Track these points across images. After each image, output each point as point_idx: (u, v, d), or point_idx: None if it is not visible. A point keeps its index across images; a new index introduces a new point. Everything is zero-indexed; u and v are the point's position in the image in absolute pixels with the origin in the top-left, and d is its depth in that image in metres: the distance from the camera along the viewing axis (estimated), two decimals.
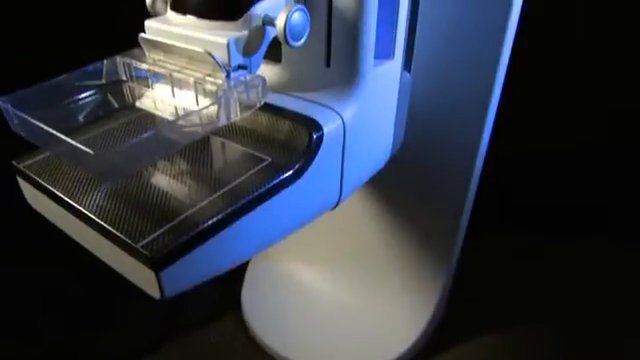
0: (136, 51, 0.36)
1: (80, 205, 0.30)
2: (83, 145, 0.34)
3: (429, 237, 0.57)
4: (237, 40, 0.30)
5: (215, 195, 0.30)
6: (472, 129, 0.49)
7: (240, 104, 0.31)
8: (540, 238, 0.81)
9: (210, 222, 0.28)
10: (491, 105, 0.47)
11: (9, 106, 0.29)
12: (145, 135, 0.26)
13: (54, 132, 0.26)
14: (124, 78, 0.36)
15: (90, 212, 0.29)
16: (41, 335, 0.64)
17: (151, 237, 0.27)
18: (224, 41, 0.30)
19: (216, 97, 0.29)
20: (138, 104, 0.37)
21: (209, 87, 0.31)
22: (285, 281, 0.66)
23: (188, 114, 0.29)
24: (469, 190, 0.53)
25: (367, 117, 0.38)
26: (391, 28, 0.38)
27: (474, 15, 0.42)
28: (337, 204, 0.40)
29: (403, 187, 0.55)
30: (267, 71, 0.39)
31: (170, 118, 0.34)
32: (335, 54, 0.36)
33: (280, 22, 0.31)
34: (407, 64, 0.44)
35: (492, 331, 0.64)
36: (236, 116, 0.30)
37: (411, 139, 0.50)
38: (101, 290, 0.70)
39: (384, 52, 0.39)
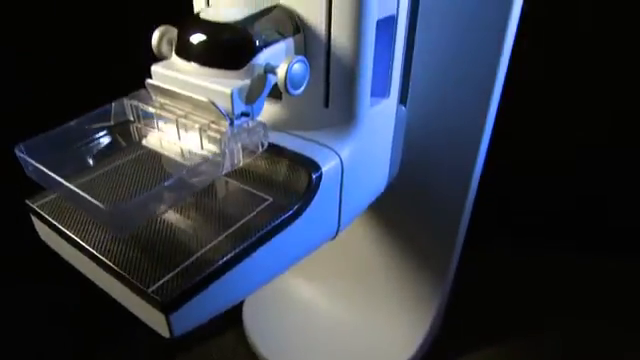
0: (143, 92, 0.37)
1: (92, 248, 0.31)
2: (92, 184, 0.36)
3: (425, 257, 0.59)
4: (240, 89, 0.32)
5: (220, 237, 0.32)
6: (467, 154, 0.50)
7: (243, 150, 0.32)
8: (537, 249, 0.83)
9: (217, 265, 0.30)
10: (485, 131, 0.48)
11: (24, 154, 0.31)
12: (154, 190, 0.28)
13: (68, 185, 0.28)
14: (131, 119, 0.37)
15: (103, 255, 0.31)
16: (42, 353, 0.65)
17: (161, 282, 0.29)
18: (228, 91, 0.32)
19: (221, 148, 0.31)
20: (144, 142, 0.38)
21: (213, 134, 0.32)
22: (285, 297, 0.68)
23: (197, 166, 0.30)
24: (464, 212, 0.55)
25: (364, 154, 0.40)
26: (387, 68, 0.40)
27: (469, 46, 0.44)
28: (336, 235, 0.42)
29: (400, 209, 0.56)
30: (268, 108, 0.41)
31: (176, 158, 0.36)
32: (333, 96, 0.37)
33: (281, 72, 0.32)
34: (403, 97, 0.46)
35: (489, 344, 0.66)
36: (239, 163, 0.32)
37: (407, 165, 0.52)
38: (103, 306, 0.71)
39: (380, 91, 0.40)
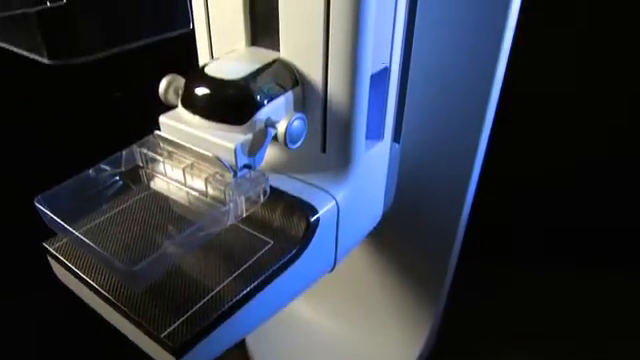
0: (151, 139, 0.40)
1: (107, 292, 0.34)
2: (106, 227, 0.38)
3: (420, 278, 0.62)
4: (243, 144, 0.34)
5: (226, 281, 0.34)
6: (460, 179, 0.53)
7: (246, 201, 0.35)
8: (530, 267, 0.86)
9: (224, 308, 0.33)
10: (478, 155, 0.51)
11: (44, 206, 0.33)
12: (166, 248, 0.31)
13: (88, 242, 0.31)
14: (140, 164, 0.40)
15: (117, 300, 0.33)
16: None
17: (172, 327, 0.31)
18: (232, 146, 0.34)
19: (226, 202, 0.33)
20: (152, 185, 0.41)
21: (218, 186, 0.35)
22: (287, 318, 0.70)
23: (205, 222, 0.33)
24: (457, 234, 0.58)
25: (359, 194, 0.43)
26: (381, 113, 0.42)
27: (461, 82, 0.47)
28: (333, 268, 0.45)
29: (394, 233, 0.59)
30: (268, 151, 0.43)
31: (183, 202, 0.38)
32: (330, 142, 0.40)
33: (281, 128, 0.35)
34: (396, 135, 0.48)
35: None
36: (243, 214, 0.35)
37: (401, 191, 0.54)
38: (103, 327, 0.74)
39: (374, 134, 0.43)
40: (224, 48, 0.42)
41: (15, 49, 0.23)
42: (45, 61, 0.23)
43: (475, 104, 0.48)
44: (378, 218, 0.50)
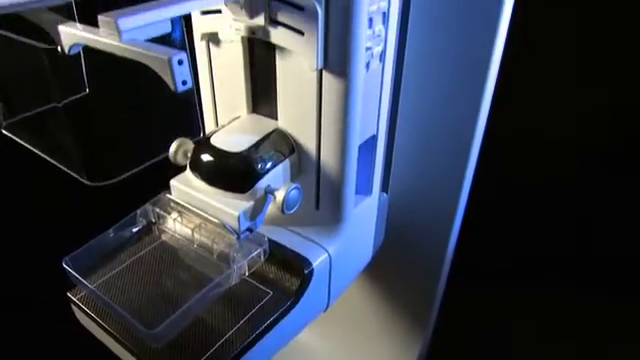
0: (163, 198, 0.44)
1: (127, 341, 0.39)
2: (122, 280, 0.43)
3: (408, 306, 0.67)
4: (245, 211, 0.39)
5: (235, 328, 0.39)
6: (445, 215, 0.58)
7: (248, 259, 0.39)
8: (520, 291, 0.91)
9: (236, 352, 0.38)
10: (462, 193, 0.55)
11: (71, 267, 0.38)
12: (182, 310, 0.35)
13: (111, 302, 0.35)
14: (153, 220, 0.45)
15: (136, 349, 0.38)
16: None
17: None
18: (236, 214, 0.39)
19: (229, 266, 0.38)
20: (164, 238, 0.45)
21: (223, 247, 0.39)
22: None
23: (213, 285, 0.38)
24: (443, 267, 0.62)
25: (350, 245, 0.47)
26: (370, 172, 0.47)
27: (446, 130, 0.51)
28: (327, 308, 0.49)
29: (384, 267, 0.64)
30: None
31: (192, 258, 0.43)
32: (322, 200, 0.44)
33: (279, 197, 0.39)
34: (384, 185, 0.53)
35: None
36: (245, 274, 0.39)
37: (390, 234, 0.59)
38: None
39: (363, 190, 0.48)
40: (228, 114, 0.46)
41: (58, 164, 0.27)
42: (85, 182, 0.27)
43: (458, 149, 0.53)
44: (368, 259, 0.55)
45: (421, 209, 0.58)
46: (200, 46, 0.44)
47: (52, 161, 0.28)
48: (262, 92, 0.44)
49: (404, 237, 0.60)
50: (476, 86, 0.48)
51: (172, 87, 0.27)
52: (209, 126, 0.49)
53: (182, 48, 0.33)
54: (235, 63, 0.42)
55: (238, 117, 0.45)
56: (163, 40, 0.29)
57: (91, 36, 0.30)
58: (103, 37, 0.29)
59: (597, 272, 0.95)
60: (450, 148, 0.53)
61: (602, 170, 0.93)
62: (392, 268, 0.64)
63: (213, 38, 0.43)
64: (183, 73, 0.27)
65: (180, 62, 0.26)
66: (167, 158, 0.37)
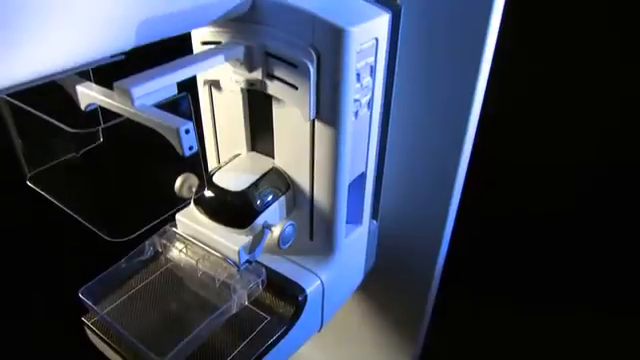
0: (169, 230, 0.48)
1: None
2: (133, 306, 0.46)
3: (398, 320, 0.71)
4: (245, 246, 0.43)
5: (234, 352, 0.43)
6: (433, 239, 0.61)
7: (247, 289, 0.43)
8: (508, 308, 0.95)
9: None
10: (447, 226, 0.59)
11: (87, 299, 0.42)
12: (190, 338, 0.39)
13: (124, 332, 0.39)
14: (160, 250, 0.48)
15: None
16: None
17: None
18: (236, 248, 0.42)
19: (231, 296, 0.42)
20: (170, 266, 0.49)
21: (225, 278, 0.43)
22: None
23: (218, 314, 0.41)
24: (432, 286, 0.66)
25: (342, 271, 0.51)
26: (360, 205, 0.51)
27: (431, 161, 0.55)
28: (321, 329, 0.53)
29: (376, 284, 0.68)
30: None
31: (197, 286, 0.47)
32: (316, 233, 0.48)
33: (276, 233, 0.43)
34: (374, 213, 0.56)
35: None
36: (245, 303, 0.43)
37: (382, 255, 0.63)
38: None
39: (354, 220, 0.51)
40: (229, 151, 0.50)
41: (79, 218, 0.31)
42: (106, 238, 0.31)
43: (444, 177, 0.56)
44: (360, 281, 0.59)
45: (410, 232, 0.62)
46: (203, 90, 0.48)
47: (74, 215, 0.32)
48: (260, 133, 0.48)
49: (395, 258, 0.64)
50: (459, 121, 0.51)
51: (180, 152, 0.30)
52: (211, 160, 0.53)
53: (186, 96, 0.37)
54: (235, 108, 0.46)
55: (238, 154, 0.49)
56: None
57: (106, 99, 0.34)
58: (117, 102, 0.33)
59: (584, 290, 0.99)
60: (436, 175, 0.56)
61: (586, 197, 0.98)
62: (384, 286, 0.68)
63: (215, 84, 0.47)
64: (190, 140, 0.31)
65: (187, 131, 0.30)
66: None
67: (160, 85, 0.33)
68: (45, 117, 0.28)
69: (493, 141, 0.70)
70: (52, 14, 0.26)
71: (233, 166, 0.47)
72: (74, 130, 0.28)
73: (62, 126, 0.27)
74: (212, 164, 0.53)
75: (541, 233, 1.01)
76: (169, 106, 0.33)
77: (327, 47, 0.37)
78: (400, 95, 0.50)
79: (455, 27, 0.46)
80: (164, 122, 0.31)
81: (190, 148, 0.31)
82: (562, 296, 0.98)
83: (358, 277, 0.58)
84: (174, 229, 0.46)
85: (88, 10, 0.28)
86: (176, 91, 0.35)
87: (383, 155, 0.52)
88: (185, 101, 0.32)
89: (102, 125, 0.34)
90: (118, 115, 0.33)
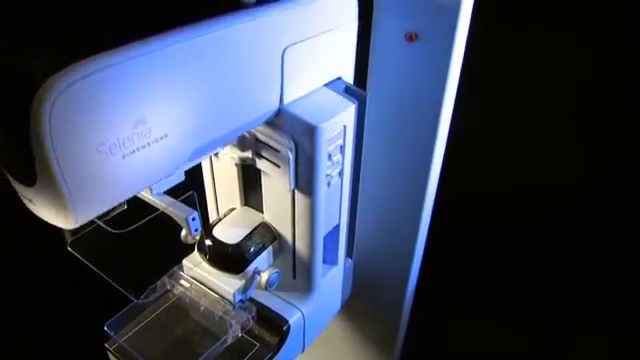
0: (177, 272, 0.58)
1: None
2: (147, 334, 0.56)
3: (375, 338, 0.81)
4: (239, 289, 0.53)
5: None
6: (403, 273, 0.72)
7: (240, 325, 0.53)
8: (477, 323, 1.06)
9: None
10: (415, 257, 0.69)
11: (112, 332, 0.52)
12: None
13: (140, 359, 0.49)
14: (169, 288, 0.58)
15: None
16: None
17: None
18: (232, 291, 0.53)
19: (227, 329, 0.52)
20: (178, 302, 0.59)
21: (223, 315, 0.53)
22: None
23: (219, 344, 0.51)
24: (404, 307, 0.76)
25: (320, 304, 0.61)
26: (335, 249, 0.61)
27: (398, 207, 0.65)
28: (303, 351, 0.63)
29: (354, 308, 0.78)
30: None
31: (201, 317, 0.57)
32: (298, 273, 0.58)
33: (264, 278, 0.53)
34: (349, 251, 0.66)
35: None
36: (239, 334, 0.53)
37: (357, 286, 0.73)
38: None
39: (330, 261, 0.61)
40: (226, 204, 0.60)
41: (110, 281, 0.41)
42: (132, 298, 0.40)
43: (410, 217, 0.67)
44: (337, 309, 0.69)
45: (382, 265, 0.72)
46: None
47: (106, 278, 0.41)
48: (252, 192, 0.58)
49: (369, 287, 0.74)
50: (420, 175, 0.62)
51: (188, 233, 0.40)
52: (210, 207, 0.63)
53: None
54: (231, 173, 0.56)
55: (234, 208, 0.59)
56: None
57: None
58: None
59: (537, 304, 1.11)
60: (404, 215, 0.66)
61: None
62: (361, 309, 0.78)
63: (214, 154, 0.56)
64: (195, 224, 0.41)
65: (193, 219, 0.40)
66: None
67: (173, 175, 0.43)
68: None
69: (450, 192, 0.80)
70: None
71: (229, 220, 0.57)
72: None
73: None
74: (211, 210, 0.63)
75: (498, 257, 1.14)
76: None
77: (303, 138, 0.47)
78: (368, 156, 0.60)
79: (413, 109, 0.56)
80: (176, 210, 0.41)
81: (196, 230, 0.41)
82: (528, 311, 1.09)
83: (336, 306, 0.68)
84: (181, 272, 0.56)
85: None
86: (184, 177, 0.45)
87: (355, 206, 0.62)
88: (192, 197, 0.42)
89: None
90: None
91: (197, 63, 0.36)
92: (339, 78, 0.53)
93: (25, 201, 0.33)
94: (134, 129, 0.32)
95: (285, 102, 0.46)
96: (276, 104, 0.45)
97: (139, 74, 0.32)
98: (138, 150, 0.33)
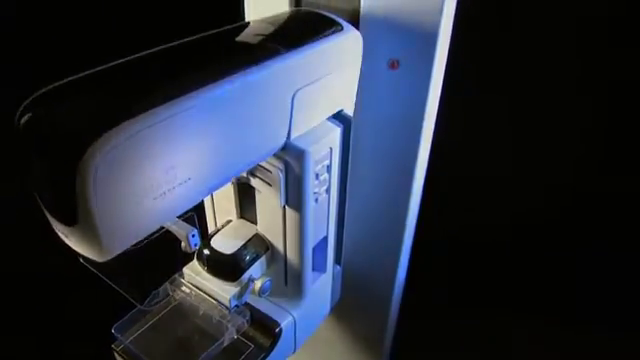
0: (178, 279, 0.63)
1: None
2: (152, 336, 0.62)
3: (366, 338, 0.86)
4: (234, 295, 0.58)
5: None
6: (389, 278, 0.77)
7: (236, 328, 0.58)
8: (465, 323, 1.12)
9: None
10: (401, 259, 0.75)
11: (119, 334, 0.57)
12: None
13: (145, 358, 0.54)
14: (170, 293, 0.63)
15: None
16: None
17: None
18: (227, 297, 0.58)
19: (224, 332, 0.57)
20: (178, 306, 0.64)
21: (220, 318, 0.58)
22: None
23: (216, 346, 0.56)
24: (391, 310, 0.81)
25: (310, 308, 0.66)
26: (324, 258, 0.66)
27: (384, 217, 0.70)
28: (294, 351, 0.68)
29: (343, 310, 0.83)
30: None
31: (200, 320, 0.62)
32: (289, 280, 0.63)
33: (257, 286, 0.58)
34: (337, 258, 0.71)
35: None
36: (234, 337, 0.58)
37: (346, 290, 0.78)
38: None
39: (319, 269, 0.66)
40: (223, 217, 0.65)
41: (119, 289, 0.46)
42: (138, 305, 0.45)
43: (396, 225, 0.72)
44: (327, 313, 0.74)
45: (369, 270, 0.77)
46: None
47: (115, 287, 0.46)
48: (246, 206, 0.63)
49: (357, 291, 0.79)
50: (403, 191, 0.67)
51: (188, 249, 0.46)
52: (209, 218, 0.68)
53: None
54: (228, 190, 0.61)
55: (230, 220, 0.64)
56: None
57: None
58: None
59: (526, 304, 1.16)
60: (389, 226, 0.71)
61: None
62: (350, 311, 0.83)
63: None
64: (195, 240, 0.46)
65: (193, 235, 0.45)
66: None
67: None
68: None
69: (435, 197, 0.85)
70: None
71: (226, 231, 0.62)
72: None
73: None
74: (210, 222, 0.68)
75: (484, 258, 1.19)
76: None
77: (292, 160, 0.52)
78: (354, 170, 0.65)
79: (395, 132, 0.61)
80: (177, 228, 0.46)
81: (195, 245, 0.46)
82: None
83: (325, 310, 0.73)
84: (181, 279, 0.61)
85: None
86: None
87: (343, 218, 0.67)
88: (192, 218, 0.47)
89: None
90: None
91: (219, 115, 0.41)
92: (341, 110, 0.58)
93: (59, 234, 0.38)
94: (165, 176, 0.37)
95: (292, 137, 0.51)
96: (284, 140, 0.50)
97: (169, 133, 0.37)
98: (165, 194, 0.38)
